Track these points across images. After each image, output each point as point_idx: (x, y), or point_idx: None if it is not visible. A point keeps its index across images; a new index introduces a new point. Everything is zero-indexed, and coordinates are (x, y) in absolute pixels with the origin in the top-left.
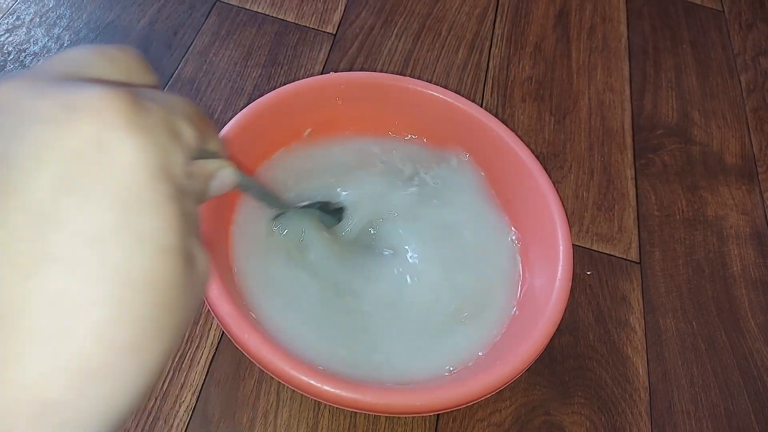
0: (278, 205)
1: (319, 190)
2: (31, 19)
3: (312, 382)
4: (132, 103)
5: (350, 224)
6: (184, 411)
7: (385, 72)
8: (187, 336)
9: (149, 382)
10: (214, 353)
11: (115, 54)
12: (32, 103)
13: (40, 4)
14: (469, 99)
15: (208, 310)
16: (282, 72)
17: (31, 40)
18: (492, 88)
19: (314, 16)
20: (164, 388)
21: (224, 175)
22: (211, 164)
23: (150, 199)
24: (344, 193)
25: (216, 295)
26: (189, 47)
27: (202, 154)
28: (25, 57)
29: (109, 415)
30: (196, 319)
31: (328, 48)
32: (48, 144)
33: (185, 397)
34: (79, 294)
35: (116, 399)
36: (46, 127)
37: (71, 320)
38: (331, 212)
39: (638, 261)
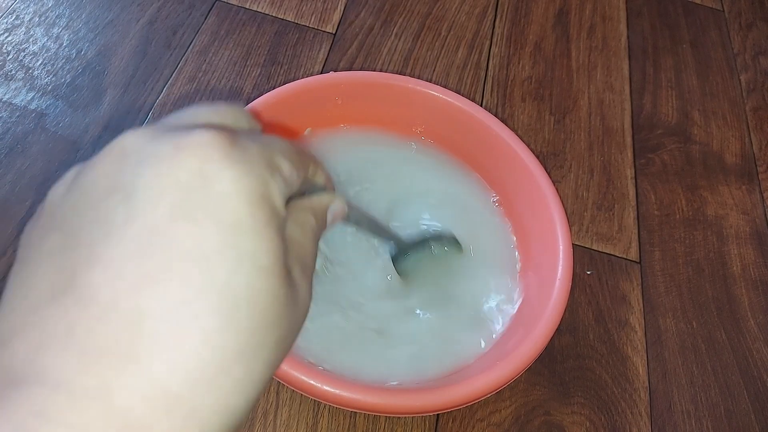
0: (386, 236)
1: None
2: (30, 19)
3: (312, 382)
4: (230, 140)
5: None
6: None
7: (385, 71)
8: None
9: (257, 390)
10: None
11: (223, 107)
12: (150, 146)
13: (39, 4)
14: (469, 98)
15: None
16: (281, 71)
17: (30, 40)
18: (492, 87)
19: (314, 15)
20: None
21: (336, 207)
22: (322, 198)
23: (249, 223)
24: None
25: None
26: (188, 47)
27: (312, 189)
28: (24, 57)
29: (224, 415)
30: None
31: (328, 47)
32: (162, 177)
33: None
34: (192, 304)
35: (229, 400)
36: (161, 163)
37: (187, 326)
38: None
39: (638, 261)
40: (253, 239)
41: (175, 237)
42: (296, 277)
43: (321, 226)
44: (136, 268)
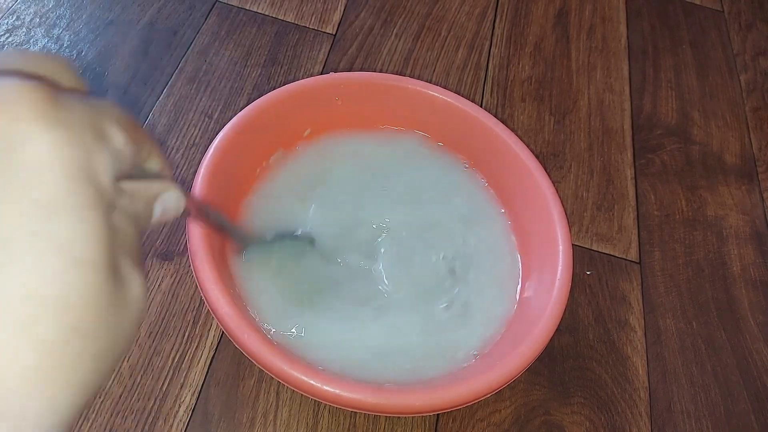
0: (240, 238)
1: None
2: (31, 20)
3: (312, 382)
4: (49, 96)
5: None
6: (184, 411)
7: (385, 72)
8: (186, 336)
9: (69, 417)
10: (214, 353)
11: (43, 57)
12: None
13: (40, 5)
14: (468, 99)
15: (208, 311)
16: (282, 72)
17: (31, 41)
18: (492, 88)
19: (314, 16)
20: (164, 388)
21: (168, 198)
22: (153, 185)
23: (67, 202)
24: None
25: (216, 295)
26: (189, 47)
27: (143, 174)
28: None
29: None
30: (195, 319)
31: (328, 48)
32: None
33: (185, 397)
34: None
35: None
36: None
37: None
38: (301, 242)
39: (638, 261)
40: (71, 224)
41: None
42: (125, 271)
43: (147, 217)
44: None
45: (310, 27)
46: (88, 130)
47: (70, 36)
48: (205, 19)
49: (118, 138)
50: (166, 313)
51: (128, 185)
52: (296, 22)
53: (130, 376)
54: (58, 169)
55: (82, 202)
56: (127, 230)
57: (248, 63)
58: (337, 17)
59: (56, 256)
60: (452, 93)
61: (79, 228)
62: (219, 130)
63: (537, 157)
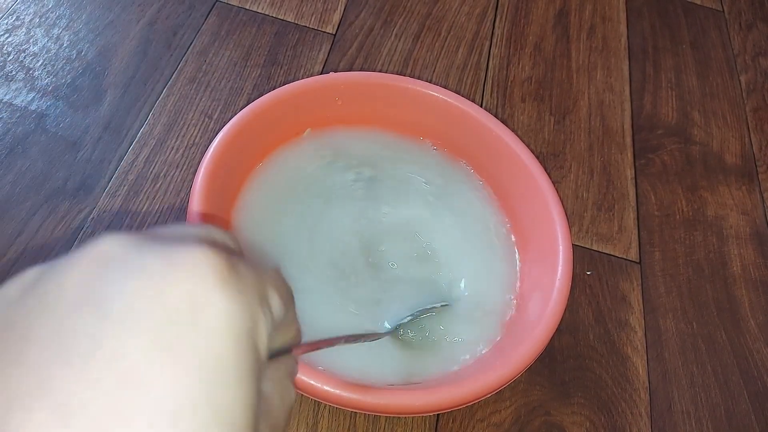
0: (372, 338)
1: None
2: (31, 20)
3: (312, 382)
4: (227, 263)
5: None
6: None
7: (385, 72)
8: None
9: None
10: None
11: (207, 226)
12: (136, 256)
13: (40, 5)
14: (468, 99)
15: None
16: (281, 72)
17: (31, 41)
18: (492, 88)
19: (314, 16)
20: None
21: (294, 368)
22: (290, 359)
23: (234, 372)
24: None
25: None
26: (188, 47)
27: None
28: (24, 57)
29: None
30: None
31: (328, 48)
32: (145, 297)
33: None
34: None
35: None
36: (146, 281)
37: None
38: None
39: (638, 261)
40: (233, 391)
41: (148, 378)
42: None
43: (289, 390)
44: (90, 409)
45: (310, 27)
46: (257, 297)
47: (69, 36)
48: (205, 19)
49: (276, 304)
50: None
51: (286, 356)
52: (296, 22)
53: None
54: (228, 336)
55: (245, 370)
56: (278, 404)
57: (248, 63)
58: (337, 17)
59: (218, 422)
60: (452, 93)
61: (239, 395)
62: (219, 130)
63: (537, 157)
